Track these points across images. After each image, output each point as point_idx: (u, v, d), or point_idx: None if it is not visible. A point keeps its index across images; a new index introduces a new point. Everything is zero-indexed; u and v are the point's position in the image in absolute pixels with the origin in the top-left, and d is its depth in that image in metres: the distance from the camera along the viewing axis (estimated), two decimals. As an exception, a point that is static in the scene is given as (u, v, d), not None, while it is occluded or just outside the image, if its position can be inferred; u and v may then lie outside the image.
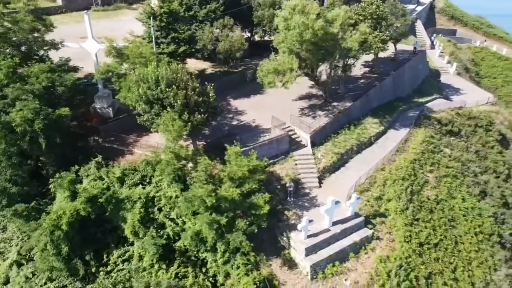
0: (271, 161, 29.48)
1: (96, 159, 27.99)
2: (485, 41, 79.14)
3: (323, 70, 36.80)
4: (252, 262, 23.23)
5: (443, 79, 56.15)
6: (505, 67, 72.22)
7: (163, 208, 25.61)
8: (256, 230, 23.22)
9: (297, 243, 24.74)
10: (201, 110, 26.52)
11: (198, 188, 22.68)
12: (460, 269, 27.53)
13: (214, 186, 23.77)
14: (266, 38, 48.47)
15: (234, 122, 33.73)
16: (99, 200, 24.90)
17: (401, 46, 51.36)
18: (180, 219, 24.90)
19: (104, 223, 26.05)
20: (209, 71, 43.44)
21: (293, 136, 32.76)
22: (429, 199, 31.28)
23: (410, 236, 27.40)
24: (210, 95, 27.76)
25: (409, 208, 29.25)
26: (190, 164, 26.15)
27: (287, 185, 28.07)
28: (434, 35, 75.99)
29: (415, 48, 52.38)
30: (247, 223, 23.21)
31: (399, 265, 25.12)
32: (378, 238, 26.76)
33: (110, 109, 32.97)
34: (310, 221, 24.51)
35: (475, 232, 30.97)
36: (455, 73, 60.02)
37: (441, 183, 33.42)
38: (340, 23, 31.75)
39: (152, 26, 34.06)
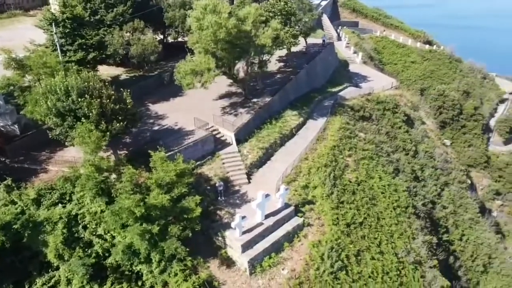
0: (198, 163, 29.26)
1: (5, 182, 25.48)
2: (384, 31, 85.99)
3: (240, 67, 37.29)
4: (189, 267, 22.89)
5: (351, 68, 60.04)
6: (403, 53, 79.23)
7: (88, 225, 24.13)
8: (190, 234, 22.90)
9: (232, 241, 24.87)
10: (119, 118, 25.41)
11: (124, 200, 21.71)
12: (384, 242, 29.76)
13: (141, 195, 22.92)
14: (180, 39, 47.82)
15: (156, 127, 32.85)
16: (14, 226, 22.71)
17: (311, 40, 53.81)
18: (109, 234, 23.69)
19: (22, 250, 23.82)
20: (123, 76, 41.72)
21: (218, 136, 32.81)
22: (350, 182, 33.30)
23: (338, 218, 28.96)
24: (127, 101, 26.71)
25: (334, 192, 30.88)
26: (114, 176, 24.97)
27: (217, 185, 28.05)
28: (340, 27, 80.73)
29: (324, 41, 55.23)
30: (181, 228, 22.78)
31: (330, 247, 26.44)
32: (309, 224, 27.89)
33: (16, 126, 30.16)
34: (243, 217, 24.78)
35: (393, 207, 33.66)
36: (361, 62, 64.43)
37: (360, 166, 35.76)
38: (252, 21, 32.39)
39: (55, 33, 31.78)
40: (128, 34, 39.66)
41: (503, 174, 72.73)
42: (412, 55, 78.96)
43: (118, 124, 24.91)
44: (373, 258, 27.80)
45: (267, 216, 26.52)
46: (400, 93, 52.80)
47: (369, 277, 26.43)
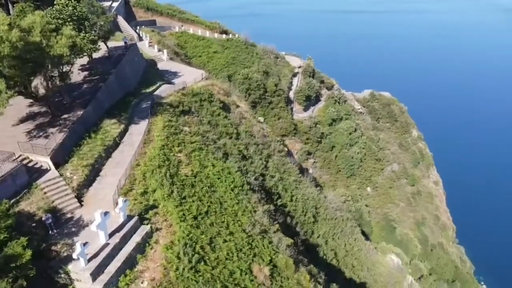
0: (12, 201, 25.13)
1: None
2: (182, 26, 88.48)
3: (39, 83, 33.13)
4: (34, 319, 19.77)
5: (160, 66, 60.09)
6: (205, 45, 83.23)
7: None
8: (25, 283, 19.70)
9: (79, 272, 22.47)
10: None
11: None
12: (231, 223, 31.44)
13: None
14: None
15: None
16: None
17: (112, 43, 51.45)
18: None
19: None
20: None
21: (30, 164, 28.70)
22: (187, 176, 33.80)
23: (184, 214, 29.15)
24: None
25: (174, 190, 30.86)
26: None
27: (43, 218, 24.70)
28: (138, 27, 79.36)
29: (125, 43, 53.49)
30: (10, 281, 19.36)
31: (184, 244, 26.53)
32: (157, 229, 27.30)
33: None
34: (85, 244, 22.58)
35: (231, 188, 35.70)
36: (168, 59, 65.04)
37: (192, 158, 36.54)
38: (40, 30, 28.95)
39: None
40: None
41: (309, 136, 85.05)
42: (213, 45, 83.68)
43: None
44: (225, 241, 29.11)
45: (111, 234, 24.82)
46: (211, 83, 55.54)
47: (226, 259, 27.64)
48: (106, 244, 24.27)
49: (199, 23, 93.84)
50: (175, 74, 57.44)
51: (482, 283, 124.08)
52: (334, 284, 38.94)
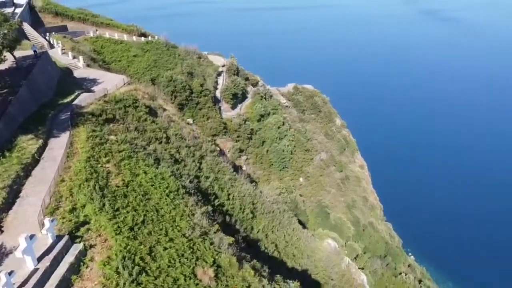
0: None
1: None
2: (97, 30, 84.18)
3: None
4: None
5: (77, 74, 56.77)
6: (124, 49, 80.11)
7: None
8: None
9: (6, 305, 20.59)
10: None
11: None
12: (170, 230, 30.73)
13: None
14: None
15: None
16: None
17: (19, 53, 47.52)
18: None
19: None
20: None
21: None
22: (118, 187, 32.37)
23: (119, 227, 27.92)
24: None
25: (105, 203, 29.40)
26: None
27: (-42, 251, 22.24)
28: (48, 34, 74.06)
29: (35, 51, 49.69)
30: None
31: (122, 258, 25.43)
32: (91, 246, 25.86)
33: None
34: (11, 273, 20.71)
35: (166, 194, 34.86)
36: (85, 65, 61.63)
37: (122, 168, 35.05)
38: None
39: None
40: None
41: (240, 133, 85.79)
42: (132, 49, 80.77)
43: None
44: (166, 248, 28.41)
45: (40, 258, 23.05)
46: (135, 88, 53.64)
47: (169, 266, 27.01)
48: (36, 270, 22.48)
49: (115, 27, 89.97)
50: (94, 82, 54.60)
51: (410, 254, 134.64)
52: (278, 275, 39.82)
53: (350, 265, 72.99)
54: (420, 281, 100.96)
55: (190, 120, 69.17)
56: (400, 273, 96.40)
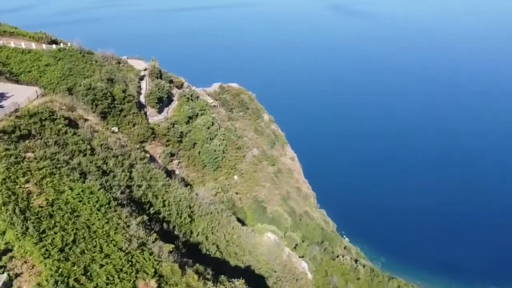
0: None
1: None
2: None
3: None
4: None
5: (-19, 89, 51.45)
6: (33, 58, 74.20)
7: None
8: None
9: None
10: None
11: None
12: (105, 245, 29.20)
13: None
14: None
15: None
16: None
17: None
18: None
19: None
20: None
21: None
22: (42, 207, 30.04)
23: (47, 250, 25.95)
24: None
25: (29, 226, 27.16)
26: None
27: None
28: None
29: None
30: None
31: (54, 282, 23.70)
32: (17, 275, 23.76)
33: None
34: None
35: (97, 208, 33.05)
36: (-11, 79, 56.14)
37: (44, 186, 32.57)
38: None
39: None
40: None
41: (169, 137, 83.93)
42: (43, 58, 75.08)
43: None
44: (102, 266, 26.99)
45: (-43, 297, 20.68)
46: (50, 100, 49.96)
47: (107, 284, 25.70)
48: (-48, 311, 20.17)
49: (21, 35, 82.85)
50: (1, 96, 49.92)
51: (344, 236, 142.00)
52: (222, 275, 39.69)
53: (291, 255, 75.04)
54: (356, 261, 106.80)
55: (115, 129, 66.16)
56: (338, 256, 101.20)
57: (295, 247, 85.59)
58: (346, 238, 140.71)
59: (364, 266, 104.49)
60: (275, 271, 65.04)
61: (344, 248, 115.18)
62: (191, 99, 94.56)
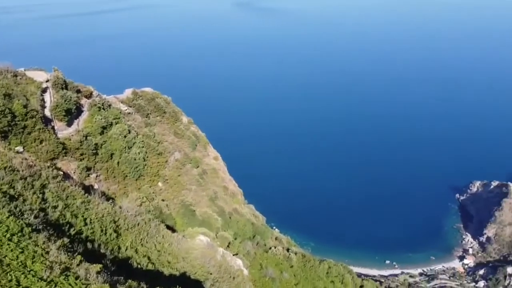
0: None
1: None
2: None
3: None
4: None
5: None
6: None
7: None
8: None
9: None
10: None
11: None
12: (22, 278, 26.50)
13: None
14: None
15: None
16: None
17: None
18: None
19: None
20: None
21: None
22: None
23: (-48, 294, 22.93)
24: None
25: None
26: None
27: None
28: None
29: None
30: None
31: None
32: None
33: None
34: None
35: (8, 238, 29.85)
36: None
37: None
38: None
39: None
40: None
41: (83, 151, 78.86)
42: None
43: None
44: (21, 300, 24.55)
45: None
46: None
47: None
48: None
49: None
50: None
51: (274, 227, 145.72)
52: (158, 287, 38.44)
53: (225, 254, 75.11)
54: (288, 250, 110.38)
55: (20, 148, 60.41)
56: (270, 248, 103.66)
57: (228, 246, 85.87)
58: (276, 229, 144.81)
59: (296, 253, 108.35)
60: (211, 273, 64.64)
61: (275, 239, 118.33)
62: (103, 108, 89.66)
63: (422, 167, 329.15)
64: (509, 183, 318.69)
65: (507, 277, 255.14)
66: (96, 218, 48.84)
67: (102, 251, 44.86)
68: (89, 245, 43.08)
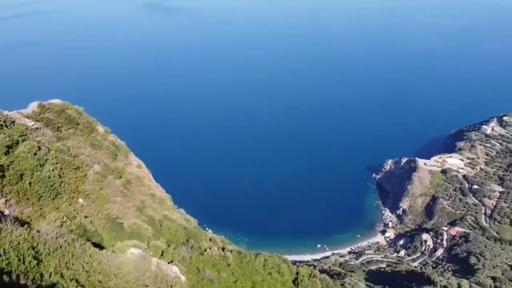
0: None
1: None
2: None
3: None
4: None
5: None
6: None
7: None
8: None
9: None
10: None
11: None
12: None
13: None
14: None
15: None
16: None
17: None
18: None
19: None
20: None
21: None
22: None
23: None
24: None
25: None
26: None
27: None
28: None
29: None
30: None
31: None
32: None
33: None
34: None
35: None
36: None
37: None
38: None
39: None
40: None
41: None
42: None
43: None
44: None
45: None
46: None
47: None
48: None
49: None
50: None
51: (207, 228, 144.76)
52: (91, 310, 36.03)
53: (159, 263, 72.77)
54: (223, 249, 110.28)
55: None
56: (205, 250, 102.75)
57: (162, 254, 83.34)
58: (210, 230, 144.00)
59: (231, 251, 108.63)
60: (147, 286, 62.24)
61: (210, 240, 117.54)
62: (6, 126, 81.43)
63: (340, 153, 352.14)
64: (416, 158, 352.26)
65: (423, 243, 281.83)
66: (11, 246, 44.29)
67: (22, 282, 40.88)
68: (5, 278, 38.96)
